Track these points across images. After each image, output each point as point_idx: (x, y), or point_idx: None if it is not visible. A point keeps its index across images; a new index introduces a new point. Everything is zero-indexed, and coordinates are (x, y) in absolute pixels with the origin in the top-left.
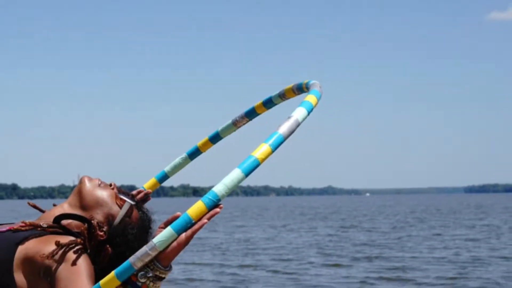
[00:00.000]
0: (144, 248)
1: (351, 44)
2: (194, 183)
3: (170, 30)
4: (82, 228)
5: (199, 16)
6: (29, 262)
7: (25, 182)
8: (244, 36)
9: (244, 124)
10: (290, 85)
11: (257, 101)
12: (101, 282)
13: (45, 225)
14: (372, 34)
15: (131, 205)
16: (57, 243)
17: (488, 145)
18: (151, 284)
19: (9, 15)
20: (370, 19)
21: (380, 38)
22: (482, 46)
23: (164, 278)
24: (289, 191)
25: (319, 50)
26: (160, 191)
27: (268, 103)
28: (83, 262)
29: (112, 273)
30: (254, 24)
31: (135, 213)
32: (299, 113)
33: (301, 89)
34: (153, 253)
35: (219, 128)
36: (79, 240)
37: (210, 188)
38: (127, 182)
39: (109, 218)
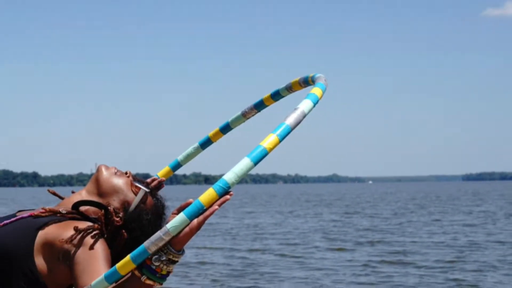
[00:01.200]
0: (158, 233)
1: (355, 38)
2: (205, 171)
3: (184, 22)
4: (99, 214)
5: (214, 10)
6: (49, 246)
7: (45, 170)
8: (254, 30)
9: (253, 115)
10: (296, 79)
11: (265, 94)
12: (117, 265)
13: (64, 211)
14: (375, 28)
15: (146, 192)
16: (76, 228)
17: (485, 135)
18: (165, 267)
19: (32, 12)
20: (373, 16)
21: (382, 32)
22: (478, 40)
23: (177, 261)
24: (296, 179)
25: (325, 43)
26: (173, 178)
27: (276, 96)
28: (100, 246)
29: (128, 256)
30: (263, 19)
31: (149, 199)
32: (305, 105)
33: (307, 82)
34: (167, 238)
35: (229, 119)
36: (96, 225)
37: (220, 176)
38: (142, 170)
39: (125, 204)
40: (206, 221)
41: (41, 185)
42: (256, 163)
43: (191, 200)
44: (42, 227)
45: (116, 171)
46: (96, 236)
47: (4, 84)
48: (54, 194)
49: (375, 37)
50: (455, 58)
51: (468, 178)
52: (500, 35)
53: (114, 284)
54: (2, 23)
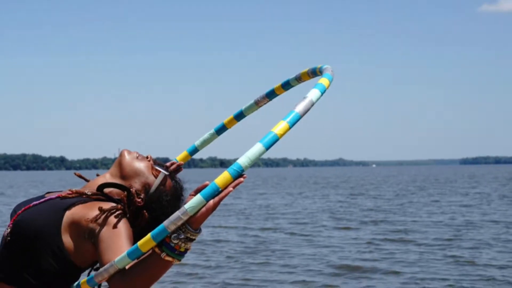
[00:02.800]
0: (177, 213)
1: (360, 31)
2: (221, 156)
3: (201, 17)
4: (122, 195)
5: (230, 7)
6: (75, 226)
7: (72, 155)
8: (267, 25)
9: (265, 103)
10: (305, 69)
11: (276, 84)
12: (139, 243)
13: (89, 193)
14: (378, 23)
15: (165, 175)
16: (100, 209)
17: (480, 122)
18: (183, 245)
19: (61, 8)
20: (376, 12)
21: (385, 26)
22: (474, 34)
23: (194, 239)
24: (305, 163)
25: (332, 36)
26: (190, 162)
27: (286, 85)
28: (123, 225)
29: (149, 235)
30: (275, 15)
31: (168, 182)
32: (314, 94)
33: (315, 72)
34: (185, 218)
35: (243, 107)
36: (119, 206)
37: (235, 160)
38: (162, 154)
39: (146, 186)
40: (221, 202)
41: (68, 168)
42: (267, 148)
43: (207, 182)
44: (69, 207)
45: (137, 155)
46: (119, 216)
47: (36, 75)
48: (80, 177)
49: (379, 31)
50: (453, 50)
51: (465, 162)
52: (494, 30)
53: (136, 260)
54: (35, 19)
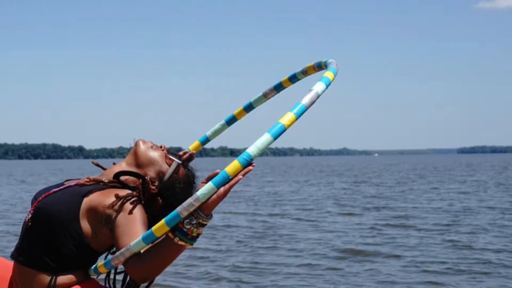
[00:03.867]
0: (189, 200)
1: (364, 27)
2: (231, 145)
3: (211, 13)
4: (137, 183)
5: (241, 3)
6: (93, 211)
7: (90, 144)
8: (274, 21)
9: (273, 96)
10: (311, 63)
11: (283, 77)
12: (153, 228)
13: (106, 180)
14: (381, 19)
15: (178, 164)
16: (117, 196)
17: (478, 113)
18: (195, 230)
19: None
20: (381, 9)
21: (387, 22)
22: (471, 30)
23: (206, 225)
24: (311, 152)
25: (337, 31)
26: (202, 152)
27: (293, 78)
28: (138, 211)
29: (162, 220)
30: (284, 11)
31: (181, 170)
32: (319, 86)
33: (320, 66)
34: (197, 204)
35: (252, 99)
36: (134, 193)
37: (244, 149)
38: (175, 144)
39: (160, 174)
40: (232, 189)
41: (86, 157)
42: (275, 138)
43: (218, 170)
44: (87, 194)
45: (152, 145)
46: (135, 202)
47: (56, 69)
48: (98, 165)
49: (382, 26)
50: (452, 45)
51: (463, 151)
52: (491, 26)
53: (150, 245)
54: (58, 16)
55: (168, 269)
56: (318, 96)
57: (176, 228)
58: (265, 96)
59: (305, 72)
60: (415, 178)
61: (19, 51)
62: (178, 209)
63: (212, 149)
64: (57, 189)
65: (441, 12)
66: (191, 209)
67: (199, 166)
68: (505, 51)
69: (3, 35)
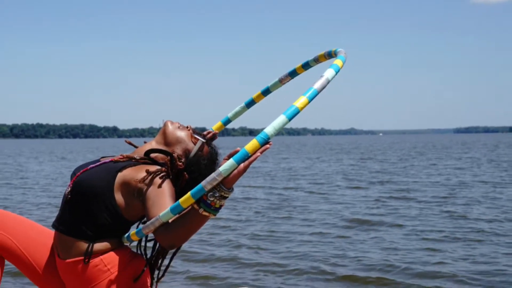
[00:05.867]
0: (213, 175)
1: (372, 21)
2: (250, 126)
3: (231, 7)
4: (166, 159)
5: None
6: (126, 185)
7: (123, 125)
8: (290, 14)
9: (287, 81)
10: (322, 52)
11: (297, 64)
12: (180, 200)
13: (138, 157)
14: (387, 12)
15: (203, 142)
16: (147, 171)
17: (472, 98)
18: (218, 202)
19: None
20: (386, 4)
21: (391, 17)
22: (467, 23)
23: (227, 197)
24: (322, 132)
25: (346, 24)
26: (224, 131)
27: (306, 66)
28: (167, 185)
29: (188, 193)
30: (298, 4)
31: (206, 148)
32: (329, 73)
33: (330, 55)
34: (219, 178)
35: (269, 84)
36: (163, 168)
37: (262, 129)
38: (199, 125)
39: (186, 152)
40: (251, 165)
41: (119, 136)
42: (290, 119)
43: (238, 148)
44: (120, 170)
45: (179, 125)
46: (164, 177)
47: (94, 58)
48: (130, 143)
49: (386, 19)
50: (447, 38)
51: (458, 131)
52: (485, 20)
53: (177, 215)
54: (94, 13)
55: (193, 237)
56: (328, 82)
57: (201, 200)
58: (281, 81)
59: (317, 60)
60: (415, 155)
61: (64, 45)
62: (203, 183)
63: (233, 129)
64: (93, 165)
65: (440, 8)
66: (214, 183)
67: (221, 144)
68: (496, 43)
69: (46, 30)
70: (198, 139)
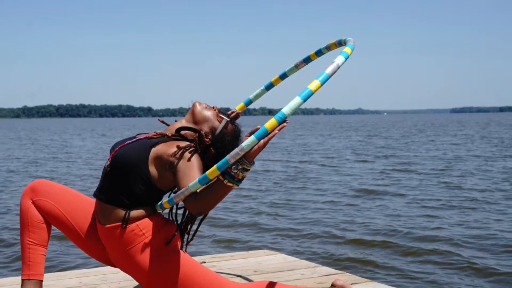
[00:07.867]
0: (236, 150)
1: (377, 12)
2: (269, 106)
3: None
4: (194, 136)
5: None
6: (159, 159)
7: (157, 105)
8: (305, 6)
9: (303, 67)
10: (333, 41)
11: (311, 52)
12: (207, 172)
13: (169, 134)
14: (389, 2)
15: (227, 121)
16: (178, 146)
17: (467, 81)
18: (240, 173)
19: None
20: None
21: (395, 9)
22: (463, 12)
23: (249, 170)
24: (333, 112)
25: (354, 14)
26: (246, 111)
27: (318, 53)
28: (195, 159)
29: (214, 166)
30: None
31: (230, 126)
32: (339, 59)
33: (340, 43)
34: (242, 153)
35: (286, 69)
36: (192, 144)
37: (280, 109)
38: (224, 105)
39: (213, 130)
40: (270, 141)
41: (153, 116)
42: (304, 100)
43: (259, 126)
44: (154, 145)
45: (206, 105)
46: (192, 152)
47: (134, 46)
48: (163, 122)
49: (390, 12)
50: (446, 25)
51: (454, 111)
52: (481, 11)
53: (205, 186)
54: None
55: (219, 205)
56: (339, 67)
57: (225, 172)
58: (297, 67)
59: (328, 48)
60: (416, 132)
61: (105, 35)
62: (227, 157)
63: (254, 109)
64: (130, 141)
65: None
66: (238, 157)
67: (243, 122)
68: (488, 31)
69: (92, 21)
70: (223, 118)
